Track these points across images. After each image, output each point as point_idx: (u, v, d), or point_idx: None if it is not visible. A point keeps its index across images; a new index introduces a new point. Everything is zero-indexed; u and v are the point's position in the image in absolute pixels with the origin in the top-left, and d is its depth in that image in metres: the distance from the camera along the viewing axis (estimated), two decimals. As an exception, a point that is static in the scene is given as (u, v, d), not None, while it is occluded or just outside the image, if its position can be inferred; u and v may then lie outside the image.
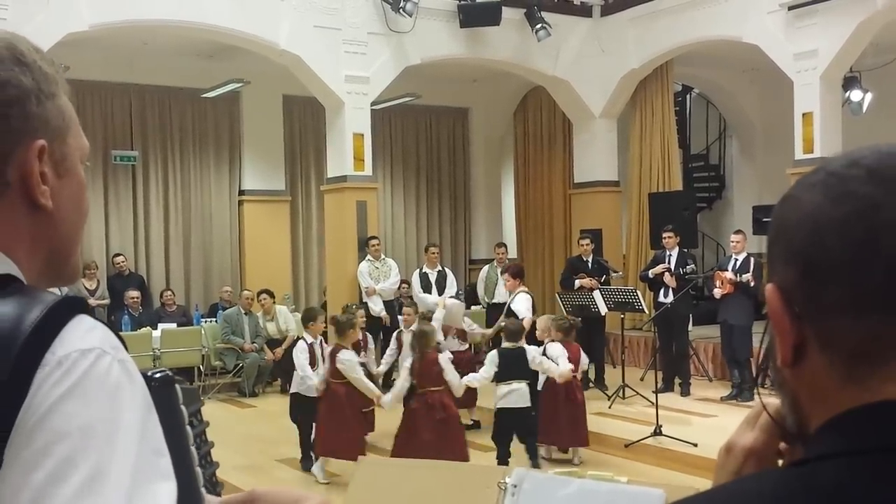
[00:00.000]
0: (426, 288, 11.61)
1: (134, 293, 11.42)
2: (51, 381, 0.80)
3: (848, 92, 11.42)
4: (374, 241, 11.13)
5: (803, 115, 10.29)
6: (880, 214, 0.74)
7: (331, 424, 6.97)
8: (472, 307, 12.18)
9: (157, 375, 1.00)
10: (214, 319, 11.62)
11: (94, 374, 0.81)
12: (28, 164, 0.93)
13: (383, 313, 10.94)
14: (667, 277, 10.09)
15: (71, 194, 0.98)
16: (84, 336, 0.84)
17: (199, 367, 11.00)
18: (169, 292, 12.05)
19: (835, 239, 0.75)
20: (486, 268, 12.20)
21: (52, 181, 0.95)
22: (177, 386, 1.03)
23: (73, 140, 0.98)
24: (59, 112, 0.97)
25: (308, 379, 7.26)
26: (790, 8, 10.14)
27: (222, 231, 13.26)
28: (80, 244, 1.02)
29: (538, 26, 11.69)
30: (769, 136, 13.95)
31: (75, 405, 0.80)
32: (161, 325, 11.01)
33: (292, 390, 7.58)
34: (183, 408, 1.04)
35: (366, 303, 10.77)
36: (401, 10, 10.81)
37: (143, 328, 10.86)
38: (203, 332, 11.13)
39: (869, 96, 11.88)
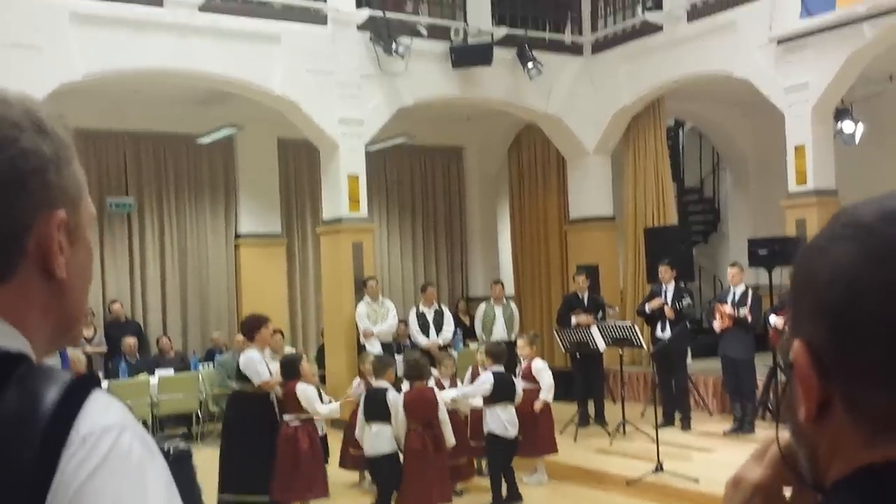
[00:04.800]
0: (423, 328, 11.59)
1: (131, 340, 11.37)
2: (77, 458, 0.81)
3: (839, 123, 11.48)
4: (371, 281, 11.10)
5: (795, 147, 10.33)
6: None
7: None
8: (471, 345, 12.14)
9: (173, 450, 1.02)
10: (212, 364, 11.55)
11: (118, 451, 0.83)
12: (49, 237, 0.91)
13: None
14: (666, 311, 10.07)
15: (80, 261, 0.97)
16: (104, 413, 0.85)
17: (196, 413, 10.91)
18: (166, 339, 12.00)
19: (874, 304, 0.72)
20: (482, 305, 12.16)
21: (66, 250, 0.94)
22: (192, 461, 1.05)
23: (84, 207, 0.98)
24: (75, 179, 0.96)
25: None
26: (779, 42, 10.22)
27: (219, 275, 13.25)
28: (85, 307, 1.02)
29: (530, 65, 11.78)
30: (762, 169, 14.00)
31: (104, 483, 0.81)
32: (158, 372, 10.94)
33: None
34: (199, 483, 1.06)
35: (364, 345, 10.71)
36: (393, 53, 10.89)
37: (141, 375, 10.79)
38: (200, 377, 11.05)
39: (861, 127, 11.94)
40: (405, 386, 7.15)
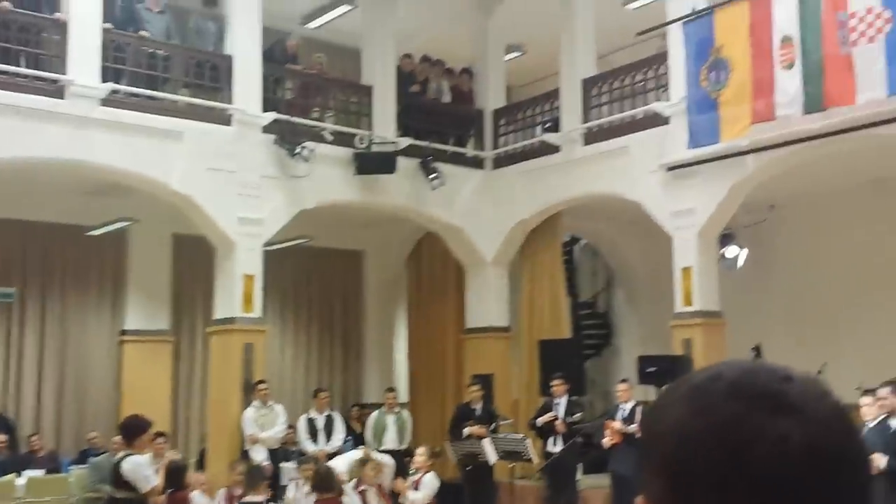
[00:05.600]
0: (313, 434, 11.31)
1: (0, 436, 10.70)
2: None
3: (724, 248, 12.00)
4: (262, 386, 10.81)
5: (682, 269, 10.71)
6: (744, 430, 0.77)
7: None
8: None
9: None
10: (85, 466, 10.92)
11: None
12: None
13: (266, 463, 10.49)
14: (557, 425, 10.10)
15: None
16: None
17: (64, 519, 10.23)
18: (36, 437, 11.32)
19: (700, 453, 0.78)
20: (375, 413, 11.96)
21: None
22: None
23: None
24: None
25: None
26: (669, 169, 10.72)
27: (100, 372, 12.68)
28: None
29: (432, 176, 12.00)
30: (652, 288, 14.41)
31: None
32: (27, 472, 10.27)
33: None
34: None
35: (247, 451, 10.34)
36: (297, 157, 10.93)
37: (8, 475, 10.10)
38: (71, 480, 10.42)
39: (744, 252, 12.51)
40: (312, 498, 6.86)
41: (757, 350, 10.53)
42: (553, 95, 12.61)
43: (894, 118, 8.63)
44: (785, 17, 9.10)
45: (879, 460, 6.73)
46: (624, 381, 10.42)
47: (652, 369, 10.43)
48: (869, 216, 11.70)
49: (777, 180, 10.38)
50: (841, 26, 8.64)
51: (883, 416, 7.18)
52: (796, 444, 0.77)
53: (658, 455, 0.81)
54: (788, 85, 9.05)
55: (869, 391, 7.47)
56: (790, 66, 9.03)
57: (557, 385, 10.43)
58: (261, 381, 10.84)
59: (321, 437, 11.35)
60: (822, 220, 12.22)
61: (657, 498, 0.81)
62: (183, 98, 10.78)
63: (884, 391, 7.05)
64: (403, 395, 14.17)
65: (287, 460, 10.83)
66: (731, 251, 12.24)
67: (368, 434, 11.78)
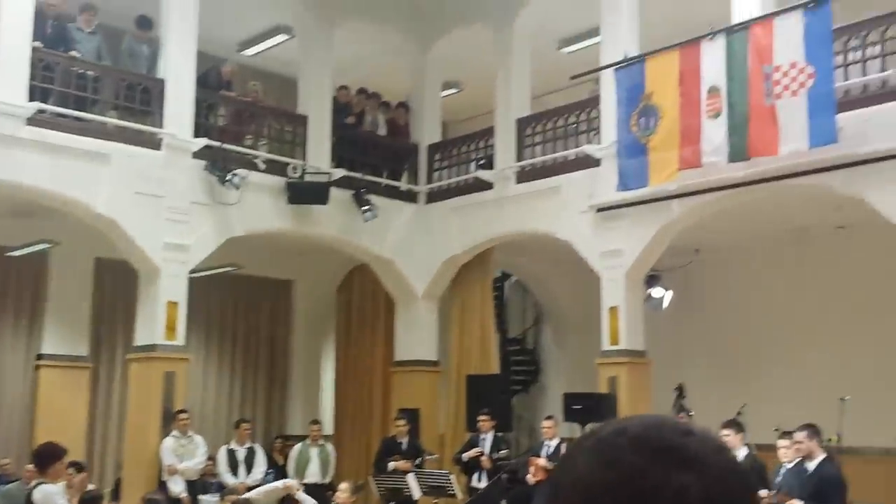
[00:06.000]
0: (233, 466, 11.08)
1: None
2: None
3: (650, 289, 12.22)
4: (182, 415, 10.56)
5: (609, 308, 10.86)
6: (645, 483, 0.81)
7: None
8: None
9: None
10: (-8, 496, 10.47)
11: None
12: None
13: (184, 495, 10.23)
14: (483, 460, 10.09)
15: None
16: None
17: (-35, 553, 9.76)
18: (-59, 465, 10.82)
19: (604, 502, 0.82)
20: (298, 445, 11.78)
21: None
22: None
23: None
24: None
25: None
26: (598, 210, 10.89)
27: (14, 396, 12.22)
28: None
29: (365, 208, 11.98)
30: (580, 326, 14.57)
31: None
32: (-73, 502, 9.79)
33: None
34: None
35: (164, 482, 10.06)
36: (227, 183, 10.80)
37: None
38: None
39: (669, 294, 12.75)
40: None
41: (679, 389, 10.70)
42: (488, 133, 12.74)
43: (815, 169, 8.93)
44: (713, 67, 9.36)
45: (794, 503, 6.87)
46: (549, 417, 10.47)
47: (577, 406, 10.51)
48: (790, 263, 12.06)
49: (702, 225, 10.63)
50: (766, 79, 8.93)
51: (799, 459, 7.34)
52: (695, 496, 0.81)
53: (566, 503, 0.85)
54: (714, 134, 9.30)
55: (787, 433, 7.64)
56: (717, 115, 9.29)
57: (484, 421, 10.44)
58: (182, 411, 10.59)
59: (241, 469, 11.13)
60: (745, 265, 12.55)
61: None
62: (112, 120, 10.58)
63: (800, 435, 7.21)
64: (329, 427, 14.00)
65: (206, 492, 10.59)
66: (657, 292, 12.46)
67: (291, 467, 11.59)
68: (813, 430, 7.19)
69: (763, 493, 7.11)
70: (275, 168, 11.73)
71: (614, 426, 0.88)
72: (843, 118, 8.56)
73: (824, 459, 7.16)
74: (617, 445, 0.85)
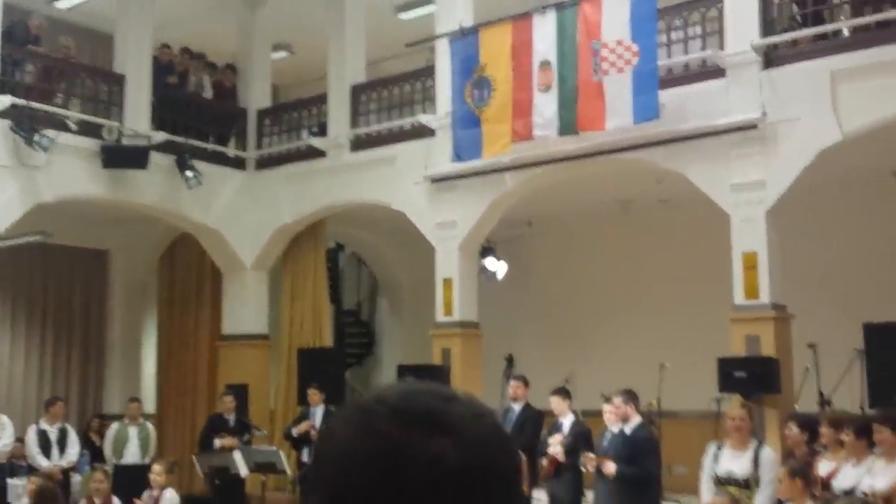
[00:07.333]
0: (45, 447, 10.35)
1: None
2: None
3: (484, 260, 12.29)
4: (-17, 396, 9.73)
5: (444, 279, 10.83)
6: (401, 451, 0.79)
7: None
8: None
9: None
10: None
11: None
12: None
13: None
14: (313, 435, 9.90)
15: None
16: None
17: None
18: None
19: (359, 473, 0.80)
20: (115, 425, 11.15)
21: None
22: None
23: None
24: None
25: None
26: (433, 181, 10.81)
27: None
28: None
29: (189, 174, 11.41)
30: (415, 298, 14.54)
31: None
32: None
33: None
34: None
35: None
36: (34, 145, 9.97)
37: None
38: None
39: (503, 265, 12.88)
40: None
41: (510, 360, 10.84)
42: (321, 99, 12.39)
43: (639, 145, 9.19)
44: (544, 41, 9.44)
45: (609, 466, 7.09)
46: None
47: (410, 378, 10.44)
48: (616, 236, 12.44)
49: (534, 198, 10.76)
50: (594, 55, 9.09)
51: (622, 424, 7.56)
52: (450, 463, 0.80)
53: (320, 476, 0.83)
54: (545, 107, 9.39)
55: (609, 399, 7.85)
56: (548, 89, 9.38)
57: (313, 394, 10.26)
58: (-17, 392, 9.75)
59: (54, 450, 10.42)
60: (575, 237, 12.86)
61: None
62: None
63: (617, 400, 7.43)
64: (151, 405, 13.34)
65: (14, 476, 9.87)
66: (491, 264, 12.55)
67: (108, 447, 10.96)
68: (629, 394, 7.43)
69: (591, 456, 7.36)
70: (89, 130, 10.95)
71: (376, 394, 0.86)
72: (665, 95, 8.84)
73: (640, 423, 7.42)
74: (376, 414, 0.83)
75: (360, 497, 0.79)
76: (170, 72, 12.39)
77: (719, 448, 6.63)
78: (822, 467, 6.32)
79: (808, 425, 6.99)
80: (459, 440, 0.81)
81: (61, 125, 10.65)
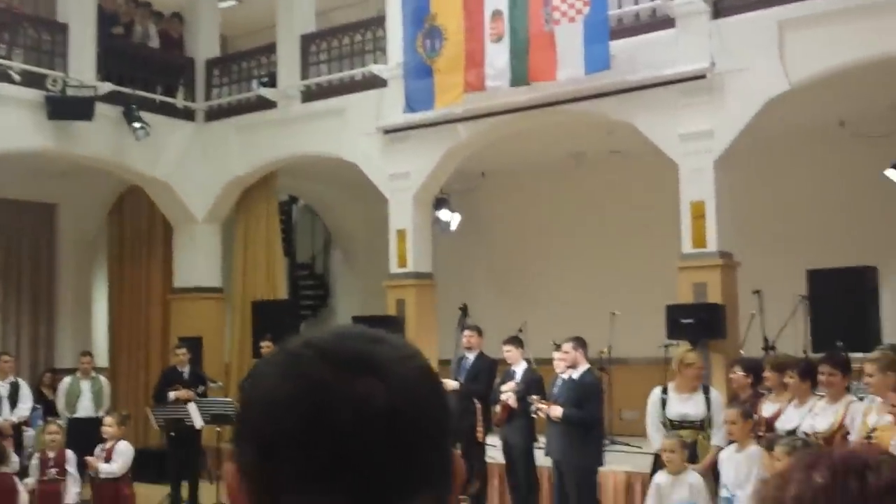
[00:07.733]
0: (-5, 403, 10.25)
1: None
2: None
3: (438, 212, 12.31)
4: (-70, 352, 9.57)
5: (397, 231, 10.85)
6: (328, 393, 0.78)
7: None
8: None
9: None
10: None
11: None
12: None
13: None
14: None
15: None
16: None
17: None
18: None
19: (285, 416, 0.78)
20: (67, 378, 11.07)
21: None
22: None
23: None
24: None
25: None
26: (385, 132, 10.76)
27: None
28: None
29: (136, 125, 11.20)
30: (370, 249, 14.50)
31: None
32: None
33: None
34: None
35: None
36: (-25, 95, 9.71)
37: None
38: None
39: (457, 217, 12.91)
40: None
41: (464, 309, 10.95)
42: (271, 49, 12.19)
43: (590, 95, 9.22)
44: (496, -9, 9.35)
45: (555, 410, 7.28)
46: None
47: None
48: (568, 187, 12.53)
49: (488, 150, 10.77)
50: (545, 4, 9.05)
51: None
52: (378, 405, 0.79)
53: (249, 421, 0.81)
54: (497, 58, 9.36)
55: (559, 346, 8.01)
56: (499, 39, 9.34)
57: (267, 347, 10.23)
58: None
59: (5, 405, 10.32)
60: (528, 188, 12.92)
61: (246, 465, 0.80)
62: None
63: (567, 346, 7.59)
64: (104, 359, 13.24)
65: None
66: (444, 215, 12.57)
67: (60, 401, 10.89)
68: (578, 341, 7.59)
69: (536, 398, 7.60)
70: (32, 80, 10.67)
71: (303, 339, 0.85)
72: (615, 46, 8.86)
73: (587, 369, 7.60)
74: (303, 357, 0.82)
75: (289, 441, 0.78)
76: (115, 21, 12.08)
77: (665, 392, 6.81)
78: (766, 409, 6.53)
79: (753, 369, 7.19)
80: (387, 381, 0.80)
81: (4, 76, 10.39)
